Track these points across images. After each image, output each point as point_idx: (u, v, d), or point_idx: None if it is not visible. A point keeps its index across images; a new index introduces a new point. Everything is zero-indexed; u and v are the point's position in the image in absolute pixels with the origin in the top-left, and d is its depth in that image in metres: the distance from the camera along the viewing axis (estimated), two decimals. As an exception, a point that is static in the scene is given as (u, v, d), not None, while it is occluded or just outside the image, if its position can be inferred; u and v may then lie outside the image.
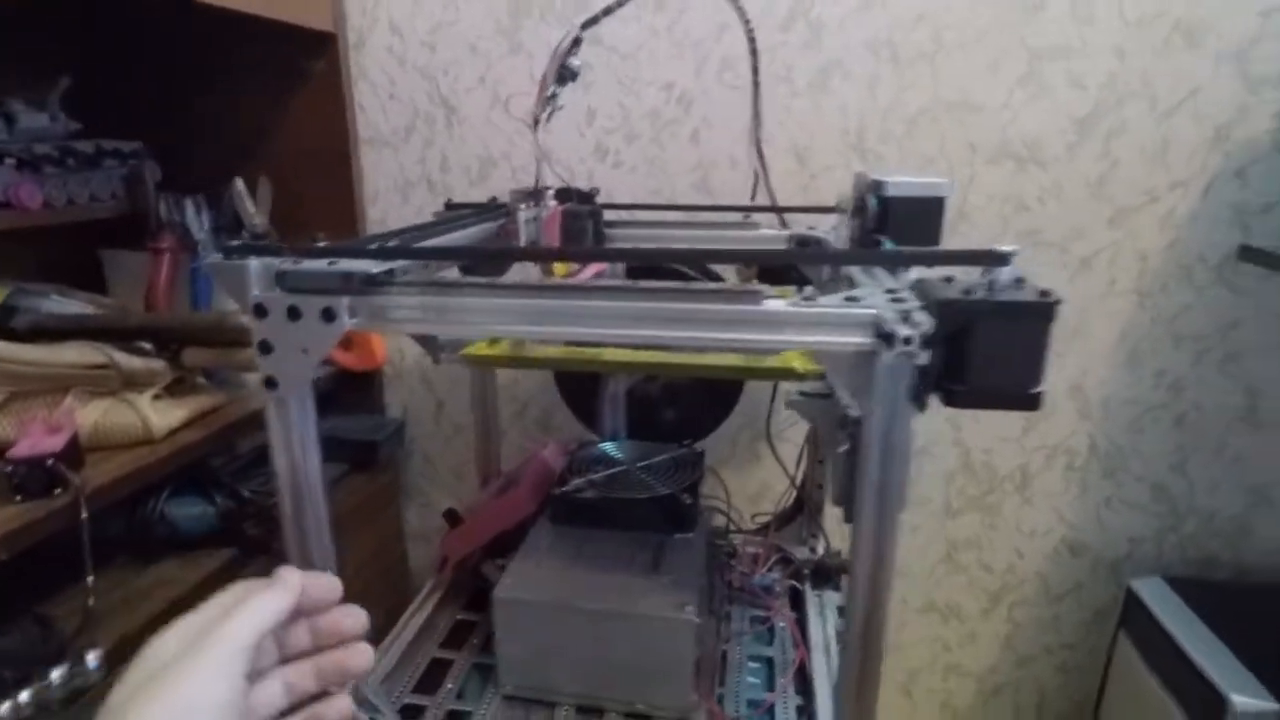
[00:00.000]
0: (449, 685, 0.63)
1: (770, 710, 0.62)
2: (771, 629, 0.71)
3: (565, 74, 0.58)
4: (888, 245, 0.52)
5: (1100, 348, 0.94)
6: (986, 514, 1.04)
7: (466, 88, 0.97)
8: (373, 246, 0.48)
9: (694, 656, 0.58)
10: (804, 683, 0.65)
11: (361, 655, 0.39)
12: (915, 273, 0.47)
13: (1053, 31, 0.84)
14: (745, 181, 0.94)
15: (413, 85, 0.99)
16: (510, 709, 0.60)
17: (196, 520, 0.79)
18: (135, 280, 0.91)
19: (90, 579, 0.61)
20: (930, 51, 0.86)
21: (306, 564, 0.48)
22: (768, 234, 0.73)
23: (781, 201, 0.89)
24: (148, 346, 0.79)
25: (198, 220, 0.91)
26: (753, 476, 1.06)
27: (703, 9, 0.89)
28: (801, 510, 0.86)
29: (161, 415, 0.75)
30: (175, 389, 0.79)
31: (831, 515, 1.02)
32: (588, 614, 0.58)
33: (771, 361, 0.55)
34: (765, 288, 0.41)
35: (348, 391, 1.08)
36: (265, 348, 0.45)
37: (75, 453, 0.65)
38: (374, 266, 0.44)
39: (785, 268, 0.65)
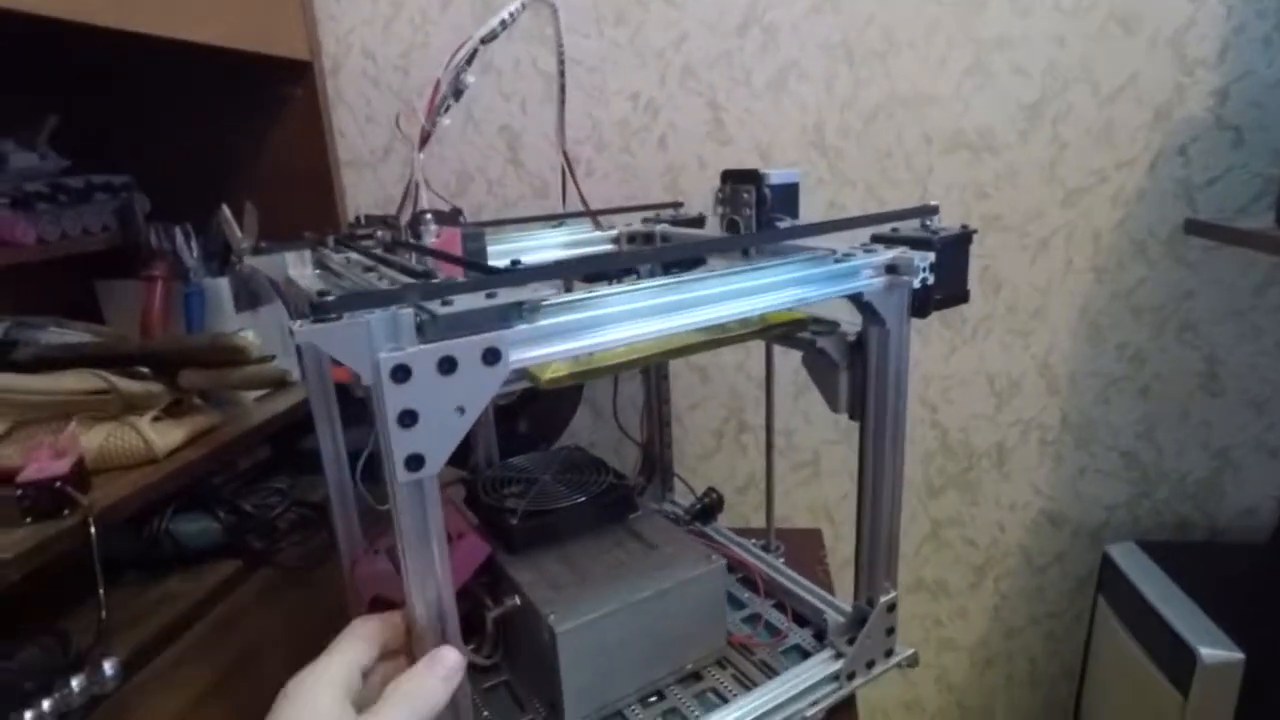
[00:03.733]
0: None
1: (764, 621, 0.69)
2: None
3: (460, 88, 0.59)
4: (788, 220, 0.63)
5: (1063, 325, 0.97)
6: (967, 491, 1.07)
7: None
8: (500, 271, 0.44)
9: (726, 598, 0.64)
10: (760, 590, 0.72)
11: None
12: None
13: (995, 23, 0.87)
14: (712, 181, 0.97)
15: (388, 107, 1.02)
16: None
17: (200, 535, 0.82)
18: (130, 308, 0.94)
19: (101, 593, 0.64)
20: (882, 50, 0.90)
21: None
22: (597, 235, 0.78)
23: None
24: (145, 371, 0.82)
25: (187, 248, 0.94)
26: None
27: (660, 20, 0.93)
28: (654, 471, 0.91)
29: (162, 436, 0.78)
30: (174, 410, 0.82)
31: (686, 467, 1.07)
32: (643, 605, 0.58)
33: (777, 319, 0.59)
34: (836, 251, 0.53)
35: (344, 405, 1.11)
36: (409, 419, 0.35)
37: (82, 475, 0.68)
38: (527, 293, 0.39)
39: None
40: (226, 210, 0.94)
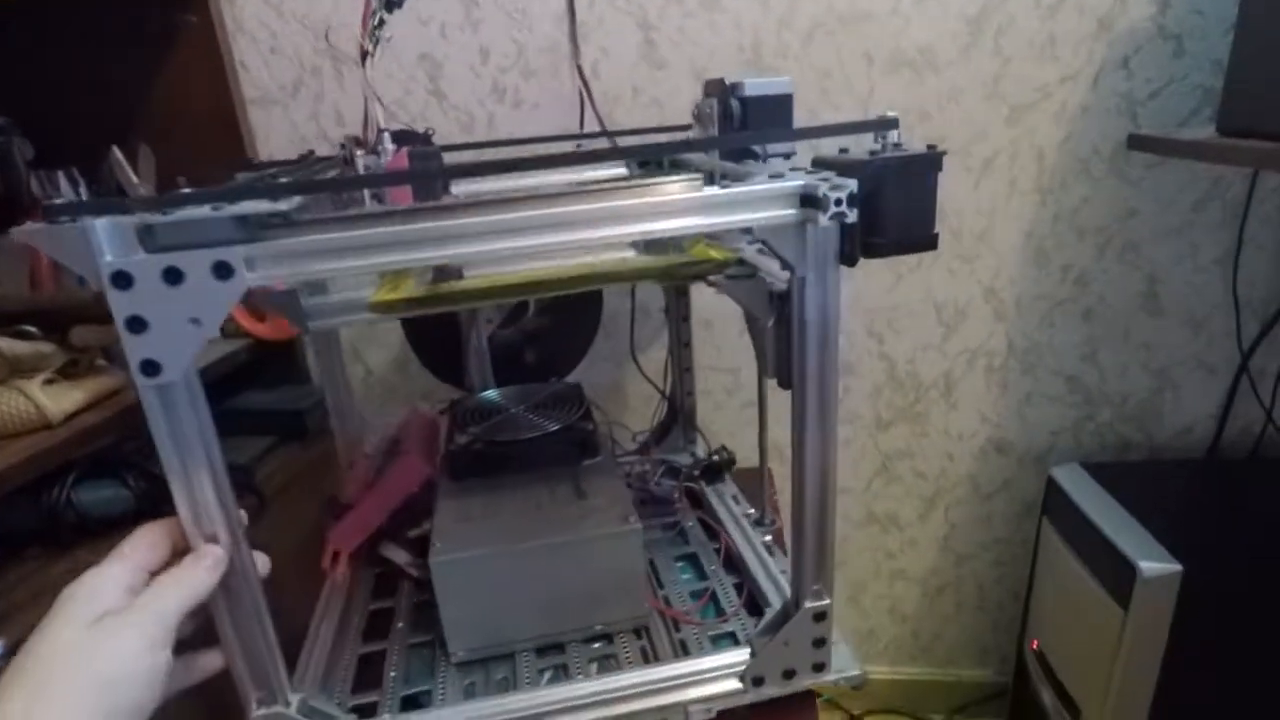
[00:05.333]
0: (392, 673, 0.58)
1: (713, 595, 0.64)
2: (682, 531, 0.73)
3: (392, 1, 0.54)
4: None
5: (1008, 249, 0.96)
6: (915, 423, 1.07)
7: (352, 34, 0.93)
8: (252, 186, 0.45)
9: (644, 564, 0.60)
10: (731, 564, 0.68)
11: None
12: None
13: (936, -70, 0.83)
14: (647, 110, 0.93)
15: (295, 36, 0.94)
16: (469, 674, 0.57)
17: (109, 503, 0.76)
18: (17, 263, 0.86)
19: (-12, 568, 0.59)
20: (818, -40, 0.85)
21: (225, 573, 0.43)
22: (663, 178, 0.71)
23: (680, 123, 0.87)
24: (33, 330, 0.75)
25: (74, 194, 0.86)
26: (622, 400, 1.07)
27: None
28: (676, 420, 0.88)
29: (56, 400, 0.72)
30: (70, 372, 0.76)
31: (716, 418, 1.04)
32: (533, 553, 0.57)
33: (691, 256, 0.54)
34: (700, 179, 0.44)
35: (269, 363, 1.05)
36: (137, 325, 0.36)
37: (-42, 443, 0.62)
38: (265, 205, 0.39)
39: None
40: (118, 153, 0.86)
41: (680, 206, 0.41)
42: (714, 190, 0.42)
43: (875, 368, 1.04)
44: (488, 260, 0.43)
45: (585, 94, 0.74)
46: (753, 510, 0.75)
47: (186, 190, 0.40)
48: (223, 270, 0.36)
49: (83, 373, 0.77)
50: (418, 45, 0.93)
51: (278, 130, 0.98)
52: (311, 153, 0.73)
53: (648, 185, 0.42)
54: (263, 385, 1.05)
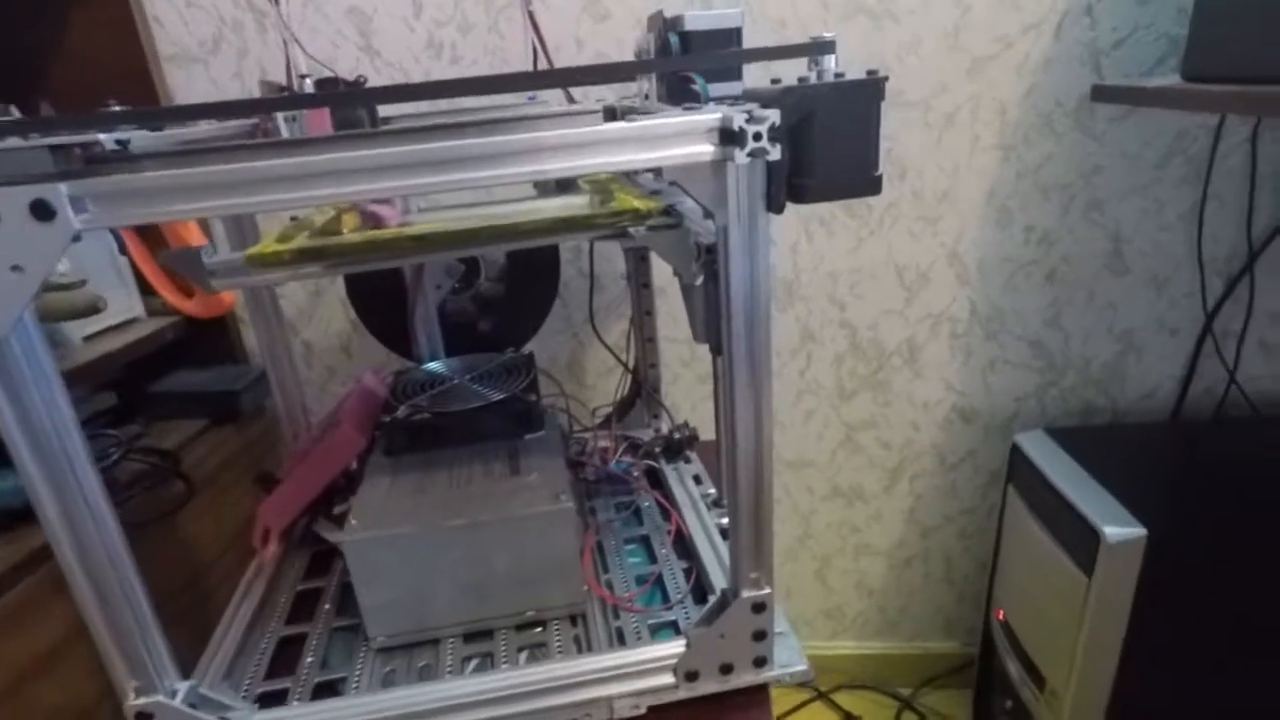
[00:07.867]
0: (308, 659, 0.54)
1: (659, 579, 0.60)
2: (637, 510, 0.69)
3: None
4: (700, 82, 0.48)
5: (971, 209, 0.93)
6: (879, 391, 1.04)
7: (272, -17, 0.86)
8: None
9: (578, 545, 0.56)
10: (683, 547, 0.64)
11: None
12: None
13: None
14: (590, 63, 0.88)
15: (212, -13, 0.87)
16: (390, 660, 0.54)
17: (15, 494, 0.70)
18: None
19: None
20: (769, -99, 0.81)
21: (81, 547, 0.39)
22: (559, 109, 0.66)
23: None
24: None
25: (-32, 159, 0.79)
26: (585, 372, 1.03)
27: None
28: (640, 393, 0.84)
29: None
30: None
31: (671, 392, 1.01)
32: (456, 532, 0.53)
33: (612, 206, 0.50)
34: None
35: (201, 342, 0.99)
36: None
37: None
38: (98, 138, 0.37)
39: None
40: (16, 112, 0.79)
41: (576, 142, 0.36)
42: (618, 125, 0.37)
43: (837, 335, 1.01)
44: (358, 201, 0.38)
45: (537, 38, 0.68)
46: (713, 490, 0.71)
47: (16, 118, 0.35)
48: (42, 210, 0.32)
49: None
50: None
51: (199, 90, 0.91)
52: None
53: (542, 120, 0.38)
54: (195, 365, 0.99)
